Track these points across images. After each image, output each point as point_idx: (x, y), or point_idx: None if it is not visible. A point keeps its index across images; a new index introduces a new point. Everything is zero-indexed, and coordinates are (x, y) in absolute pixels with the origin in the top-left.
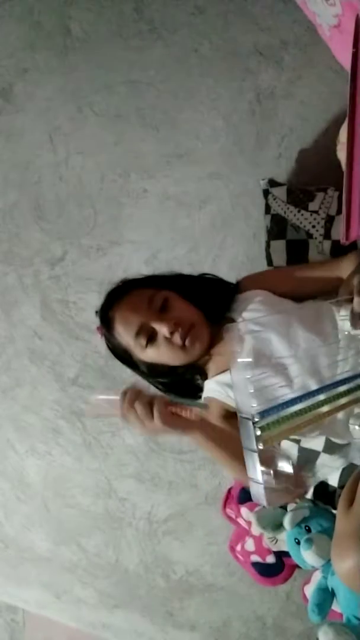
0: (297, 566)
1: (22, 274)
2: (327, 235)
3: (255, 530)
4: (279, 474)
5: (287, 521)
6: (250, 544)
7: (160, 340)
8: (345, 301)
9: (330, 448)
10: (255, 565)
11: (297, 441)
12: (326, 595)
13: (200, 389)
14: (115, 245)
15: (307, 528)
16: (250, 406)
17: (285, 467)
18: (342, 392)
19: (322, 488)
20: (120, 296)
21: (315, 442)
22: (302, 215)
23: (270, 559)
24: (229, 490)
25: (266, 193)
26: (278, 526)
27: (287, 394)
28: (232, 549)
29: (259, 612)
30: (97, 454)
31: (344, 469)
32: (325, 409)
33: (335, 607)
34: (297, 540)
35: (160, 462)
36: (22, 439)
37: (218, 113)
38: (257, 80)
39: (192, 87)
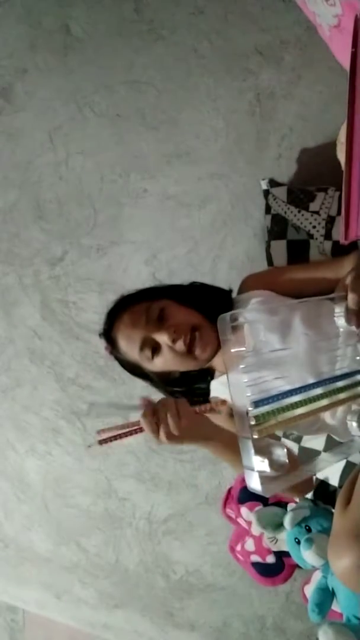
0: (297, 566)
1: (22, 274)
2: (327, 235)
3: (255, 530)
4: (275, 463)
5: (287, 521)
6: (250, 544)
7: (165, 349)
8: (340, 298)
9: (331, 447)
10: (255, 565)
11: (298, 441)
12: (326, 595)
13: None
14: (115, 245)
15: (307, 528)
16: (245, 395)
17: (281, 456)
18: (340, 387)
19: (323, 488)
20: (119, 315)
21: (316, 442)
22: (303, 215)
23: (270, 559)
24: (229, 490)
25: (266, 193)
26: (278, 526)
27: (284, 386)
28: (232, 549)
29: (259, 612)
30: (97, 454)
31: (344, 469)
32: (323, 402)
33: (335, 607)
34: (297, 540)
35: (160, 462)
36: (22, 439)
37: (218, 113)
38: (257, 80)
39: (192, 87)
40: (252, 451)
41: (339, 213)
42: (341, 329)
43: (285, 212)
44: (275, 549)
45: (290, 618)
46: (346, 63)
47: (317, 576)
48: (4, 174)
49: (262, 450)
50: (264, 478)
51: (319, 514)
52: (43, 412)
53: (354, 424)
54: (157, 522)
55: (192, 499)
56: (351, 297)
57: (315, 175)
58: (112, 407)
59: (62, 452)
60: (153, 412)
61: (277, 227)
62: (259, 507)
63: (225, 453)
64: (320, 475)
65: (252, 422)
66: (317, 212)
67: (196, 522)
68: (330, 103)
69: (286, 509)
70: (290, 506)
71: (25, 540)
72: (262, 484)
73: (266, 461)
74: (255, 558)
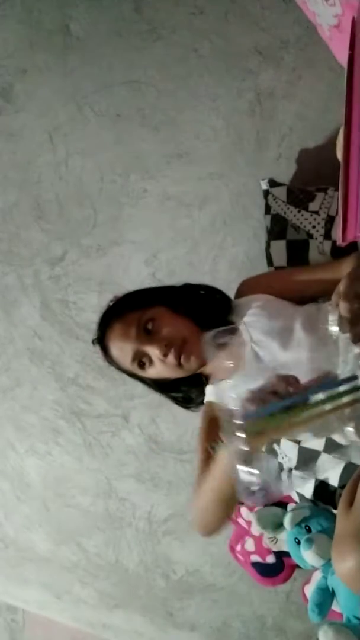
0: (297, 566)
1: (22, 274)
2: (327, 235)
3: (255, 530)
4: (262, 474)
5: (287, 521)
6: (250, 544)
7: (156, 361)
8: (334, 305)
9: (331, 447)
10: (255, 565)
11: (298, 441)
12: (326, 595)
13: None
14: (115, 245)
15: (307, 528)
16: (233, 407)
17: (254, 472)
18: (342, 392)
19: (322, 488)
20: (110, 323)
21: (316, 442)
22: (303, 215)
23: (270, 559)
24: None
25: (266, 193)
26: (278, 526)
27: None
28: (232, 549)
29: (259, 612)
30: (97, 454)
31: (344, 469)
32: (325, 408)
33: (335, 607)
34: (297, 540)
35: (160, 462)
36: (22, 439)
37: (218, 113)
38: (257, 80)
39: (192, 87)
40: (237, 462)
41: (338, 213)
42: (334, 337)
43: (285, 212)
44: (275, 549)
45: (290, 618)
46: (346, 63)
47: (317, 576)
48: (4, 174)
49: (250, 460)
50: (249, 489)
51: (319, 514)
52: (43, 412)
53: (350, 430)
54: (157, 522)
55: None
56: (342, 305)
57: (315, 175)
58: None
59: (62, 452)
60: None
61: (277, 227)
62: (259, 507)
63: None
64: (320, 476)
65: (242, 435)
66: (316, 212)
67: None
68: (330, 103)
69: (286, 509)
70: (290, 506)
71: (25, 540)
72: (247, 494)
73: (255, 472)
74: (255, 558)
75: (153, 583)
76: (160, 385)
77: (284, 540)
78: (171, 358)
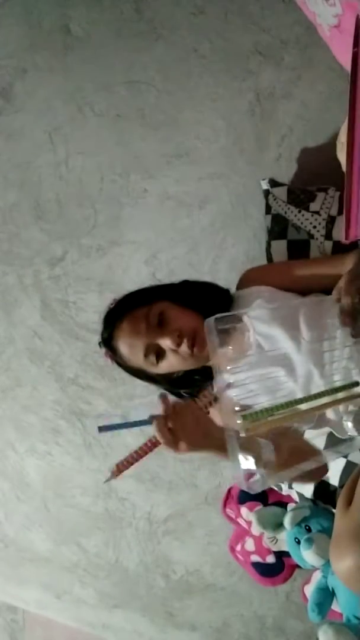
0: (297, 566)
1: (22, 274)
2: (328, 236)
3: (255, 530)
4: (261, 461)
5: (287, 521)
6: (250, 544)
7: (169, 353)
8: (335, 300)
9: (333, 445)
10: (255, 565)
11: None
12: (326, 595)
13: None
14: (115, 245)
15: (307, 527)
16: (231, 396)
17: (268, 453)
18: (339, 386)
19: (323, 488)
20: (117, 323)
21: (318, 440)
22: (303, 215)
23: (270, 559)
24: (229, 490)
25: (266, 193)
26: (278, 526)
27: (287, 382)
28: (232, 549)
29: (259, 612)
30: (97, 454)
31: (344, 469)
32: (322, 400)
33: (335, 607)
34: (297, 540)
35: (160, 462)
36: (22, 439)
37: (218, 113)
38: (257, 80)
39: (192, 87)
40: (237, 449)
41: (339, 213)
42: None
43: (286, 212)
44: (275, 549)
45: (290, 618)
46: (346, 63)
47: (317, 576)
48: (4, 174)
49: (248, 448)
50: (247, 475)
51: (319, 514)
52: (43, 412)
53: (350, 424)
54: (157, 522)
55: (192, 499)
56: (344, 299)
57: (315, 175)
58: (121, 424)
59: (62, 452)
60: (166, 421)
61: (278, 227)
62: (259, 507)
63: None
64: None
65: (239, 421)
66: (317, 212)
67: (196, 522)
68: (330, 103)
69: (286, 509)
70: (290, 506)
71: (25, 540)
72: (249, 481)
73: (251, 459)
74: (255, 558)
75: (153, 583)
76: (172, 382)
77: (284, 540)
78: (184, 347)
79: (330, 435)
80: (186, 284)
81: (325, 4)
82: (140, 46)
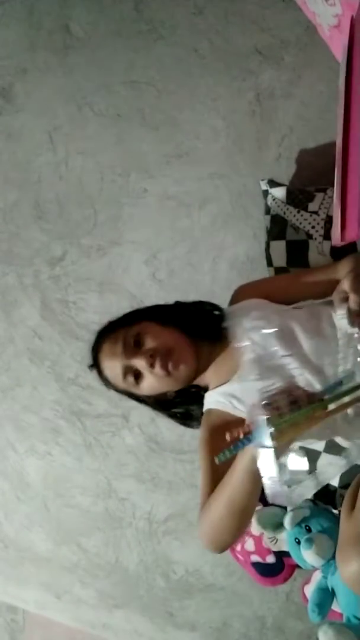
0: (297, 566)
1: (22, 274)
2: (326, 236)
3: (255, 530)
4: (287, 471)
5: (287, 521)
6: (250, 544)
7: (145, 373)
8: (341, 300)
9: (331, 448)
10: (255, 565)
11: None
12: (326, 595)
13: None
14: (115, 245)
15: (307, 528)
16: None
17: (297, 462)
18: (344, 391)
19: (323, 488)
20: (99, 347)
21: (317, 443)
22: (302, 215)
23: (270, 559)
24: None
25: (265, 194)
26: (278, 526)
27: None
28: (232, 549)
29: (259, 612)
30: (97, 454)
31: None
32: (331, 407)
33: (335, 607)
34: (297, 540)
35: (160, 462)
36: (22, 439)
37: (218, 113)
38: (257, 80)
39: (192, 87)
40: (274, 460)
41: None
42: (340, 331)
43: (285, 213)
44: (275, 549)
45: (290, 618)
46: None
47: (317, 576)
48: (4, 174)
49: (282, 458)
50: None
51: (319, 514)
52: (43, 412)
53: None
54: (157, 522)
55: (192, 499)
56: (353, 298)
57: (315, 175)
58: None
59: (62, 452)
60: None
61: (277, 228)
62: (259, 507)
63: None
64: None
65: (271, 430)
66: (316, 212)
67: (196, 522)
68: (330, 103)
69: (286, 509)
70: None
71: (25, 540)
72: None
73: (287, 469)
74: (255, 558)
75: (153, 583)
76: (160, 403)
77: (284, 540)
78: (158, 367)
79: (329, 440)
80: (177, 305)
81: (325, 4)
82: (140, 46)
